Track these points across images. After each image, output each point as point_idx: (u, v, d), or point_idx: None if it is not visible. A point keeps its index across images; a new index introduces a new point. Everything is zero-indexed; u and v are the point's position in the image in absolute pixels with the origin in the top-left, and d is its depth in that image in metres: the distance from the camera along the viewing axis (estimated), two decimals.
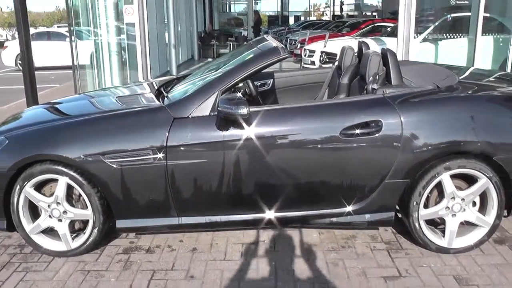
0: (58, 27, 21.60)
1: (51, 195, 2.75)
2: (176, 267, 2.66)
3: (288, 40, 15.74)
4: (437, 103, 2.69)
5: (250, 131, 2.54)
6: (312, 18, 36.42)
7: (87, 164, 2.60)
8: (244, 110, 2.38)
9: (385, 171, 2.62)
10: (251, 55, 2.76)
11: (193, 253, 2.82)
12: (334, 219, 2.73)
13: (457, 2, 6.08)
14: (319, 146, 2.58)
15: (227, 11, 20.79)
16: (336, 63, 3.80)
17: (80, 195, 2.74)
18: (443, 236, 2.77)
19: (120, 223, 2.73)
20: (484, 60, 6.13)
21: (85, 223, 2.82)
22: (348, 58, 3.52)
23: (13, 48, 14.20)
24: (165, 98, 2.93)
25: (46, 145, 2.65)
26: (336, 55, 8.55)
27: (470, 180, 2.76)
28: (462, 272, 2.60)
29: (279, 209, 2.69)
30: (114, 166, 2.57)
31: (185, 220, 2.70)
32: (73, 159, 2.60)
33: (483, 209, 2.78)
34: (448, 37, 6.50)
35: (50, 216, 2.77)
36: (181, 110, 2.60)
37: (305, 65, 11.18)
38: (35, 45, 13.12)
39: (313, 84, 3.98)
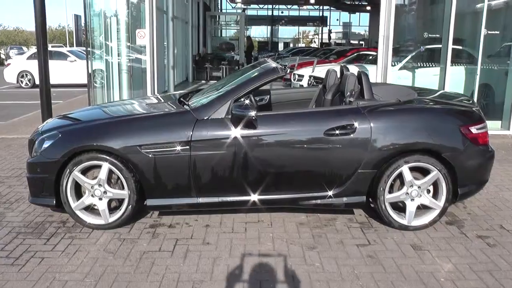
0: (52, 46, 22.30)
1: (94, 178, 3.45)
2: (195, 237, 3.36)
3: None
4: (398, 112, 3.51)
5: (256, 130, 3.31)
6: (301, 45, 38.08)
7: (128, 153, 3.32)
8: (252, 113, 3.16)
9: (358, 163, 3.40)
10: (256, 73, 3.56)
11: (207, 228, 3.52)
12: (318, 201, 3.48)
13: (429, 35, 7.06)
14: (308, 143, 3.36)
15: (219, 35, 21.97)
16: (322, 84, 4.63)
17: (118, 178, 3.45)
18: (404, 217, 3.53)
19: (150, 202, 3.43)
20: (454, 87, 7.05)
21: (120, 201, 3.50)
22: (332, 79, 4.35)
23: (16, 65, 14.88)
24: (187, 105, 3.69)
25: (95, 138, 3.37)
26: (323, 79, 9.51)
27: (425, 172, 3.55)
28: (417, 242, 3.36)
29: (275, 192, 3.44)
30: (149, 155, 3.30)
31: (202, 200, 3.42)
32: (117, 149, 3.32)
33: (435, 195, 3.57)
34: (423, 65, 7.45)
35: (92, 196, 3.46)
36: (203, 113, 3.37)
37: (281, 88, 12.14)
38: (36, 64, 13.87)
39: (303, 100, 4.80)
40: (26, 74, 14.37)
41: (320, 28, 36.56)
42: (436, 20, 7.25)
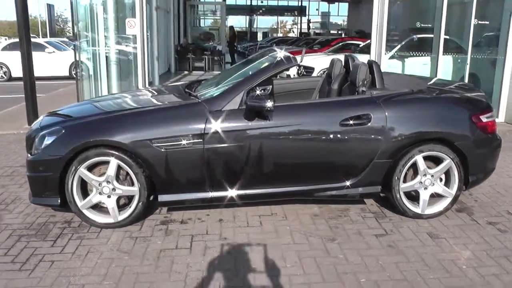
0: None
1: (100, 175, 3.29)
2: (210, 233, 3.26)
3: None
4: (411, 101, 3.49)
5: (271, 121, 3.22)
6: (279, 35, 37.91)
7: (138, 148, 3.17)
8: (269, 104, 3.06)
9: (374, 153, 3.36)
10: (268, 63, 3.45)
11: (221, 222, 3.42)
12: (334, 192, 3.43)
13: (422, 25, 7.10)
14: (323, 134, 3.29)
15: (198, 25, 21.58)
16: (326, 72, 4.56)
17: (127, 174, 3.30)
18: (418, 205, 3.53)
19: (162, 198, 3.30)
20: (445, 76, 7.13)
21: (129, 199, 3.36)
22: (337, 68, 4.28)
23: None
24: (194, 97, 3.55)
25: (102, 132, 3.20)
26: (312, 68, 9.43)
27: (436, 161, 3.55)
28: (433, 230, 3.36)
29: (291, 184, 3.37)
30: (161, 149, 3.16)
31: (216, 194, 3.31)
32: (126, 144, 3.16)
33: (447, 183, 3.58)
34: (413, 55, 7.50)
35: (100, 193, 3.29)
36: (216, 104, 3.25)
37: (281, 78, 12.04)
38: (13, 56, 13.21)
39: (305, 90, 4.72)
40: (2, 67, 13.67)
41: (299, 18, 36.44)
42: (427, 9, 7.30)
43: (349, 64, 4.21)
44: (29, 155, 3.43)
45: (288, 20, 44.20)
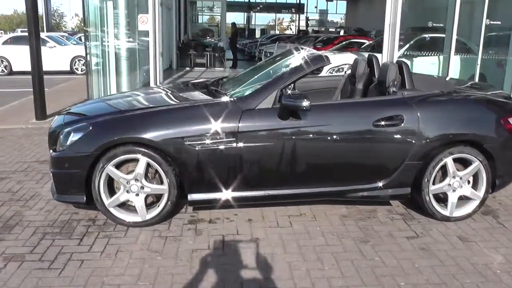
0: (21, 31, 21.01)
1: (128, 173, 3.22)
2: (241, 233, 3.21)
3: (263, 52, 16.56)
4: (443, 103, 3.46)
5: (305, 121, 3.17)
6: (276, 32, 37.76)
7: (169, 146, 3.10)
8: (306, 103, 3.01)
9: (405, 154, 3.33)
10: (301, 61, 3.40)
11: (250, 222, 3.37)
12: (365, 193, 3.40)
13: (434, 24, 7.09)
14: (357, 134, 3.26)
15: (198, 22, 21.37)
16: (348, 72, 4.52)
17: (156, 172, 3.23)
18: (446, 208, 3.51)
19: (192, 197, 3.24)
20: (455, 76, 7.13)
21: (157, 197, 3.29)
22: (361, 68, 4.24)
23: None
24: (223, 95, 3.48)
25: (132, 129, 3.12)
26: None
27: (464, 163, 3.53)
28: (462, 233, 3.34)
29: (323, 185, 3.33)
30: (193, 148, 3.10)
31: (247, 193, 3.26)
32: (156, 142, 3.09)
33: (475, 185, 3.56)
34: (422, 54, 7.50)
35: (127, 192, 3.22)
36: (249, 103, 3.19)
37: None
38: (13, 50, 12.99)
39: (326, 89, 4.67)
40: (2, 61, 13.40)
41: (297, 15, 36.30)
42: (438, 9, 7.29)
43: (373, 63, 4.17)
44: (52, 151, 3.35)
45: (285, 17, 44.11)
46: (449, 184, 3.48)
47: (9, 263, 2.81)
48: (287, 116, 3.15)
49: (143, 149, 3.12)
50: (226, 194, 3.25)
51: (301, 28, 34.17)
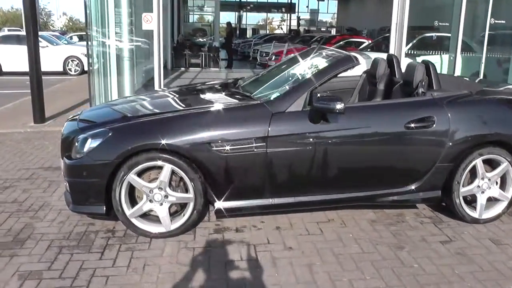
0: (8, 30, 20.42)
1: (150, 181, 3.05)
2: (272, 242, 3.06)
3: (259, 52, 16.39)
4: (473, 103, 3.38)
5: (337, 124, 3.05)
6: (266, 31, 37.50)
7: (195, 152, 2.94)
8: (340, 106, 2.88)
9: (437, 157, 3.24)
10: (330, 62, 3.28)
11: (279, 230, 3.23)
12: (396, 197, 3.29)
13: (440, 23, 7.06)
14: (389, 137, 3.15)
15: (189, 21, 21.05)
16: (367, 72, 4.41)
17: (180, 180, 3.06)
18: (475, 210, 3.44)
19: (219, 205, 3.08)
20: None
21: (181, 206, 3.13)
22: (382, 68, 4.13)
23: None
24: (248, 97, 3.33)
25: (156, 135, 2.95)
26: None
27: (490, 164, 3.46)
28: (493, 236, 3.27)
29: (354, 189, 3.21)
30: (221, 154, 2.94)
31: (277, 200, 3.12)
32: (182, 148, 2.93)
33: (502, 186, 3.49)
34: (425, 53, 7.46)
35: (150, 201, 3.05)
36: (279, 106, 3.05)
37: None
38: (3, 49, 12.53)
39: (343, 90, 4.56)
40: None
41: (288, 14, 36.10)
42: (440, 8, 7.26)
43: (393, 64, 4.07)
44: (66, 159, 3.15)
45: (275, 16, 43.88)
46: (478, 186, 3.41)
47: (26, 282, 2.62)
48: (318, 119, 3.02)
49: (167, 156, 2.95)
50: (255, 202, 3.11)
51: (292, 27, 34.02)
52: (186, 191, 3.06)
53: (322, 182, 3.13)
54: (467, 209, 3.40)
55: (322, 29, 31.89)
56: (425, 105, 3.26)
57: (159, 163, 2.97)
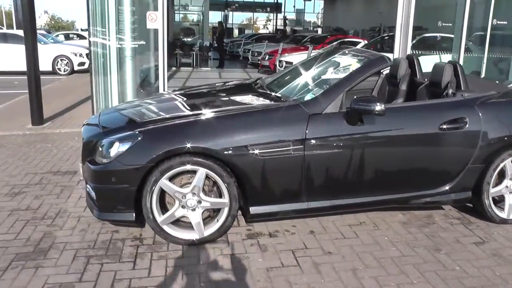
0: None
1: (182, 186, 2.93)
2: (309, 246, 2.98)
3: (250, 51, 16.27)
4: (503, 104, 3.38)
5: (375, 125, 2.99)
6: (249, 31, 37.28)
7: (231, 156, 2.83)
8: (380, 107, 2.82)
9: (469, 158, 3.22)
10: (363, 62, 3.22)
11: (313, 234, 3.16)
12: (428, 199, 3.26)
13: (443, 24, 7.13)
14: (425, 138, 3.13)
15: (177, 21, 20.73)
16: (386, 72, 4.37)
17: (213, 185, 2.96)
18: (503, 210, 3.44)
19: (254, 210, 2.98)
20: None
21: (215, 211, 3.02)
22: (403, 69, 4.09)
23: None
24: (279, 97, 3.24)
25: (191, 138, 2.83)
26: None
27: None
28: None
29: (390, 192, 3.17)
30: (258, 157, 2.85)
31: (313, 204, 3.04)
32: (218, 151, 2.82)
33: None
34: (426, 53, 7.52)
35: (183, 207, 2.93)
36: (316, 107, 2.97)
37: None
38: None
39: (359, 90, 4.51)
40: None
41: (275, 14, 35.97)
42: (445, 8, 7.32)
43: (414, 64, 4.05)
44: (89, 164, 3.00)
45: (260, 16, 43.68)
46: (507, 186, 3.42)
47: None
48: (355, 121, 2.96)
49: (202, 160, 2.84)
50: (290, 206, 3.03)
51: (278, 27, 33.92)
52: (220, 195, 2.96)
53: (358, 185, 3.08)
54: (496, 210, 3.40)
55: (309, 29, 31.95)
56: (457, 106, 3.24)
57: (193, 167, 2.85)
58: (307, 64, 3.92)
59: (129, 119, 3.26)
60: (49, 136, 5.76)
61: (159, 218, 2.92)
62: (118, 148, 2.87)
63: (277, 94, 3.35)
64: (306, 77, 3.50)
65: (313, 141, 2.91)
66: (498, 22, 6.80)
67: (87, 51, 13.31)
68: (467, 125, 3.18)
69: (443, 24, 7.13)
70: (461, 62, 6.93)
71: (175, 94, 3.95)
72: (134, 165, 2.82)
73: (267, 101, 3.22)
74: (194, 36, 17.57)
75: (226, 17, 29.15)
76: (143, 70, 8.60)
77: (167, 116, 3.14)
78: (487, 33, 6.88)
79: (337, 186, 3.05)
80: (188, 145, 2.82)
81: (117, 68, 6.83)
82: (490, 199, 3.37)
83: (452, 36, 7.41)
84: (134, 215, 2.92)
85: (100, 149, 2.98)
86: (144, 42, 6.73)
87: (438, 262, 2.83)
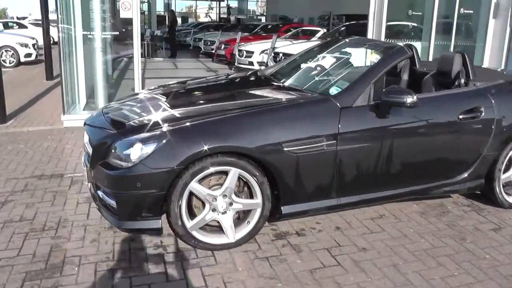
0: None
1: (211, 188, 2.74)
2: (342, 243, 2.93)
3: (203, 41, 15.85)
4: None
5: (401, 117, 2.98)
6: (191, 20, 36.35)
7: (266, 154, 2.69)
8: (411, 99, 2.80)
9: (484, 146, 3.32)
10: (385, 53, 3.18)
11: (341, 231, 3.10)
12: (447, 188, 3.33)
13: (413, 13, 7.34)
14: (446, 128, 3.17)
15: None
16: None
17: (244, 185, 2.80)
18: (511, 196, 3.58)
19: (286, 209, 2.86)
20: None
21: (244, 213, 2.86)
22: None
23: None
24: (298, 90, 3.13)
25: (223, 137, 2.64)
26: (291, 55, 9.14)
27: None
28: None
29: (413, 183, 3.19)
30: (292, 154, 2.72)
31: (343, 200, 2.98)
32: (252, 149, 2.66)
33: None
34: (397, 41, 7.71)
35: (213, 210, 2.75)
36: (346, 100, 2.89)
37: (241, 65, 11.54)
38: None
39: None
40: None
41: (217, 2, 35.35)
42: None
43: (413, 53, 4.09)
44: (104, 168, 2.71)
45: (200, 4, 42.61)
46: None
47: None
48: (385, 114, 2.92)
49: (235, 160, 2.67)
50: (321, 203, 2.94)
51: (222, 15, 33.38)
52: (251, 196, 2.81)
53: (386, 178, 3.06)
54: (505, 196, 3.55)
55: (254, 17, 31.67)
56: (473, 95, 3.31)
57: (226, 168, 2.67)
58: (315, 55, 3.82)
59: (145, 117, 2.97)
60: (18, 136, 5.21)
61: (189, 223, 2.71)
62: (141, 150, 2.61)
63: (300, 88, 3.22)
64: (322, 68, 3.41)
65: (345, 135, 2.83)
66: (465, 11, 7.13)
67: (34, 41, 12.35)
68: (482, 114, 3.26)
69: (413, 13, 7.35)
70: (431, 50, 7.22)
71: (181, 88, 3.69)
72: (163, 168, 2.58)
73: (292, 95, 3.08)
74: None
75: (169, 6, 28.13)
76: (114, 61, 8.09)
77: (190, 112, 2.91)
78: (454, 21, 7.19)
79: (366, 180, 3.01)
80: (222, 144, 2.63)
81: (83, 60, 6.35)
82: (500, 185, 3.51)
83: (414, 24, 7.67)
84: (160, 222, 2.70)
85: (116, 151, 2.70)
86: (117, 33, 6.28)
87: (468, 252, 2.89)
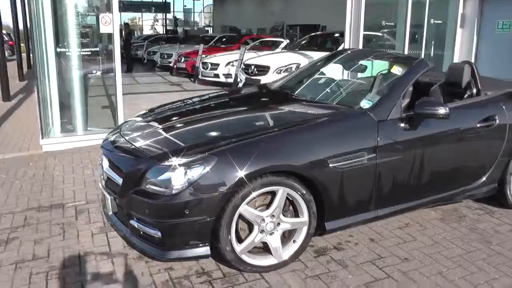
0: None
1: (257, 208, 2.66)
2: (382, 255, 2.95)
3: (159, 54, 15.46)
4: None
5: (431, 127, 3.08)
6: (141, 32, 35.53)
7: (314, 171, 2.66)
8: (444, 110, 2.90)
9: (499, 151, 3.51)
10: (408, 67, 3.28)
11: (376, 242, 3.12)
12: (467, 194, 3.49)
13: (387, 23, 7.69)
14: (469, 136, 3.34)
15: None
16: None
17: (290, 203, 2.74)
18: None
19: (329, 225, 2.84)
20: None
21: (290, 232, 2.79)
22: None
23: None
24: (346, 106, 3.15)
25: (272, 156, 2.58)
26: (268, 67, 9.16)
27: None
28: None
29: (441, 191, 3.32)
30: (337, 169, 2.71)
31: (380, 212, 3.02)
32: (301, 167, 2.62)
33: None
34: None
35: (261, 231, 2.65)
36: (381, 114, 2.94)
37: (206, 78, 11.37)
38: None
39: (355, 92, 4.61)
40: None
41: (164, 14, 34.78)
42: (389, 8, 7.88)
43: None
44: (140, 197, 2.54)
45: (145, 16, 41.76)
46: None
47: None
48: (418, 125, 3.01)
49: (284, 179, 2.60)
50: (361, 217, 2.95)
51: (168, 27, 32.88)
52: (296, 215, 2.75)
53: (418, 188, 3.15)
54: None
55: (201, 29, 31.54)
56: (488, 104, 3.50)
57: (274, 188, 2.60)
58: (328, 67, 3.86)
59: (177, 139, 2.83)
60: None
61: (238, 248, 2.60)
62: (185, 175, 2.47)
63: (330, 102, 3.24)
64: (345, 81, 3.46)
65: (383, 148, 2.88)
66: (435, 21, 7.61)
67: None
68: (497, 121, 3.46)
69: (387, 23, 7.71)
70: None
71: (198, 106, 3.57)
72: (214, 193, 2.46)
73: (328, 110, 3.09)
74: (87, 39, 16.07)
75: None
76: (86, 78, 7.67)
77: (228, 132, 2.80)
78: (424, 31, 7.65)
79: (401, 191, 3.08)
80: (274, 164, 2.57)
81: (57, 78, 5.96)
82: (511, 187, 3.72)
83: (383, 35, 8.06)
84: (209, 249, 2.56)
85: (154, 178, 2.54)
86: (95, 49, 5.97)
87: (499, 255, 3.03)
